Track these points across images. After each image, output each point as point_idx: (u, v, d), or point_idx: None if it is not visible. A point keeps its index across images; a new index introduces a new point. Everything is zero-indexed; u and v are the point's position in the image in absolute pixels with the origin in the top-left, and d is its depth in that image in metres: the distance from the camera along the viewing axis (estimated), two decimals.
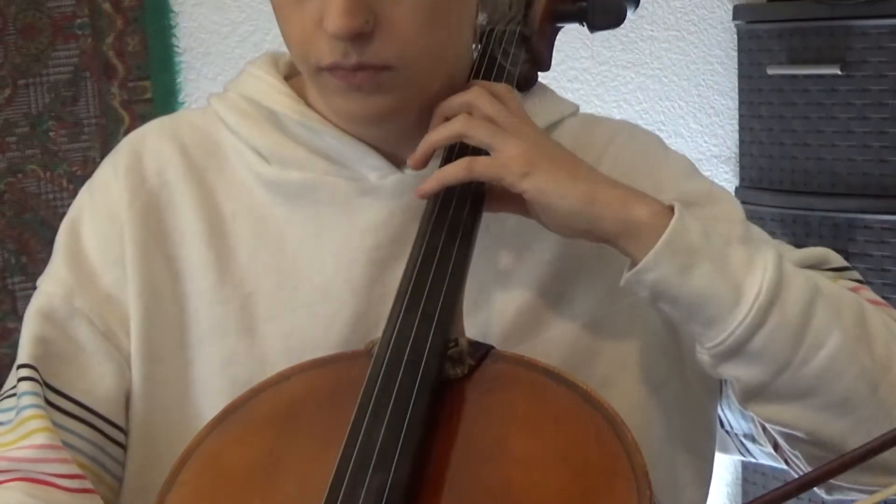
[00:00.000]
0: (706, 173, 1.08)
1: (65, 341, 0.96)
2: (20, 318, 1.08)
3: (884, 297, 2.41)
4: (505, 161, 0.89)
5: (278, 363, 0.93)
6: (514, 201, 0.93)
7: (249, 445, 0.86)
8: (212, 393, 0.95)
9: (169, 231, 0.99)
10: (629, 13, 1.04)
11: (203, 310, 0.97)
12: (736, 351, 0.88)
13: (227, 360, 0.96)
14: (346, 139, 0.96)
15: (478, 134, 0.91)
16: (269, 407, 0.88)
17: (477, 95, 0.94)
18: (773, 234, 2.26)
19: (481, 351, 0.87)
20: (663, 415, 1.00)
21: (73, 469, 0.89)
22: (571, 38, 2.29)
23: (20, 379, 0.92)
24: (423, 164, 0.94)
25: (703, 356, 0.91)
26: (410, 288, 0.88)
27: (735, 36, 2.39)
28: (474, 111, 0.93)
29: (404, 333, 0.85)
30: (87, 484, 0.90)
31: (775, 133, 2.27)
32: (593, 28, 1.06)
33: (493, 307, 0.97)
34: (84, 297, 0.97)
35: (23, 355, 0.95)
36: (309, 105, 0.98)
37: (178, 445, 0.87)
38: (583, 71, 2.32)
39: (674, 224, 0.87)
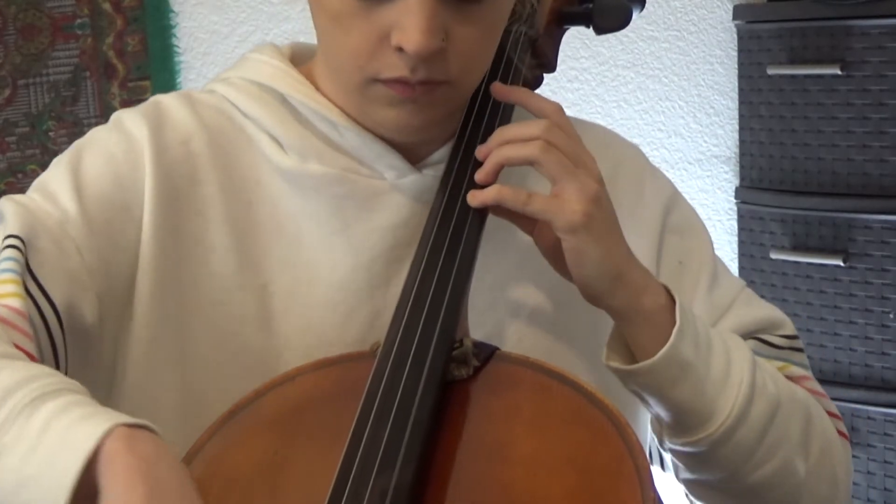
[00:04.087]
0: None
1: (56, 251, 0.89)
2: None
3: (884, 297, 2.38)
4: (562, 206, 0.89)
5: (293, 359, 0.92)
6: (522, 216, 0.92)
7: (254, 447, 0.85)
8: (223, 379, 0.93)
9: (191, 207, 0.94)
10: (635, 15, 1.04)
11: (220, 294, 0.94)
12: (693, 456, 0.93)
13: (240, 348, 0.94)
14: (365, 136, 0.95)
15: (550, 167, 0.89)
16: (274, 408, 0.88)
17: (559, 113, 0.93)
18: (772, 234, 2.27)
19: (486, 352, 0.87)
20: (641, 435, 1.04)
21: (32, 348, 0.83)
22: (571, 38, 2.28)
23: (7, 246, 0.86)
24: (493, 178, 0.92)
25: (662, 441, 0.96)
26: (415, 288, 0.88)
27: (735, 36, 2.39)
28: (553, 132, 0.91)
29: (409, 334, 0.85)
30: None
31: (775, 133, 2.27)
32: (599, 31, 1.06)
33: (502, 312, 0.97)
34: (79, 230, 0.90)
35: (12, 227, 0.87)
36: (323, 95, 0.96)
37: (179, 423, 0.87)
38: (583, 71, 2.32)
39: (674, 340, 0.89)
